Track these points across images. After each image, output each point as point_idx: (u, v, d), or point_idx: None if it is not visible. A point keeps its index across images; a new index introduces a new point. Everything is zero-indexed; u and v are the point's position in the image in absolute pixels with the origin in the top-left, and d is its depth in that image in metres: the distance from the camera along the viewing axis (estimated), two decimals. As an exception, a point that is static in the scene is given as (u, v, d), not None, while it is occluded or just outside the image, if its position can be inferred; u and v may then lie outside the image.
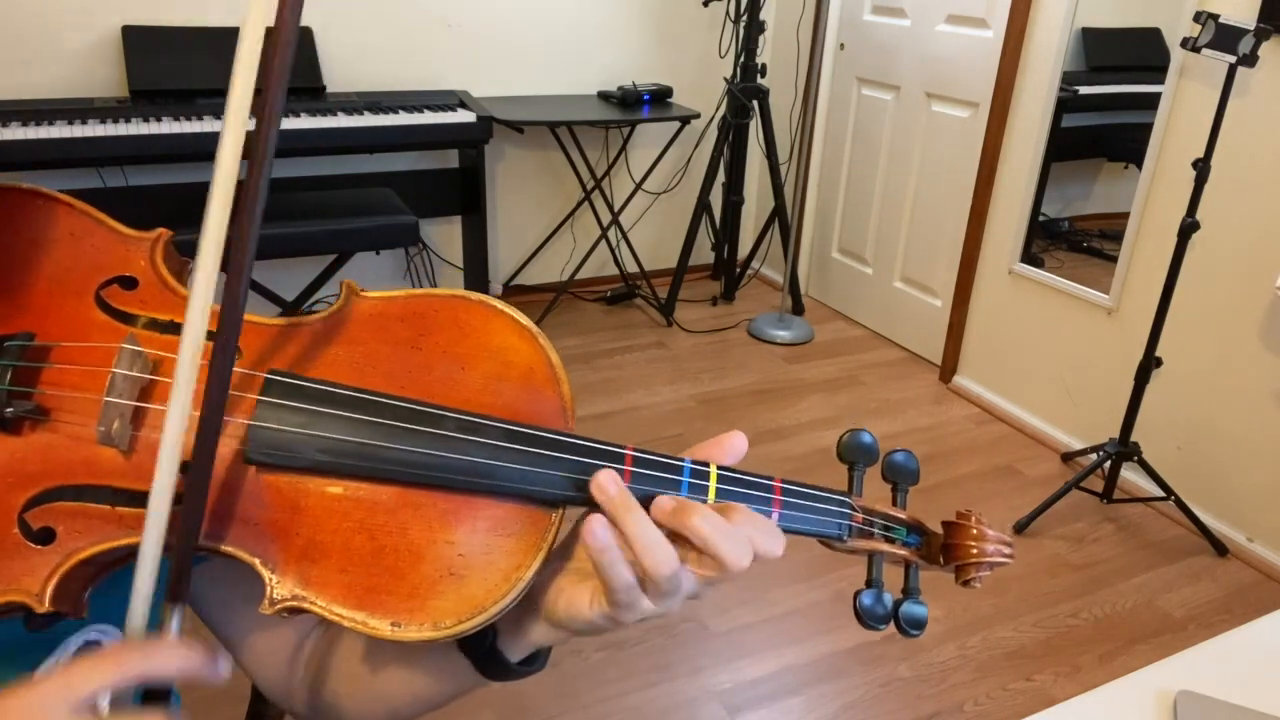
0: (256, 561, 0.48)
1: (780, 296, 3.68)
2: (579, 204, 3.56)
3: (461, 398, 0.52)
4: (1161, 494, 2.39)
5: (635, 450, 0.50)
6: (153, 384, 0.50)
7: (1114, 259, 2.60)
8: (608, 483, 0.48)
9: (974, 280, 3.07)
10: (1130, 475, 2.56)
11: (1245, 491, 2.35)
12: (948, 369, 3.21)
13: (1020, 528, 2.41)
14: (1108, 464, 2.48)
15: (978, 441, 2.87)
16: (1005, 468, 2.73)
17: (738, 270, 3.85)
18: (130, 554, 0.48)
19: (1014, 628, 2.08)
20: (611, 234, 3.63)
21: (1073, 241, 2.90)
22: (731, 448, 0.53)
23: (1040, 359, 2.88)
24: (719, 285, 3.92)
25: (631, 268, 3.71)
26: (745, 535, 0.47)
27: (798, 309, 3.71)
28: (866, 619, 0.53)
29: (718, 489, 0.51)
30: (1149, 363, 2.32)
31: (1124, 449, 2.41)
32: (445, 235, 3.53)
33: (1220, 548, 2.35)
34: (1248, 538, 2.35)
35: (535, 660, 0.57)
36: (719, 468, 0.51)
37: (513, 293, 3.68)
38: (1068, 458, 2.75)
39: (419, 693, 0.60)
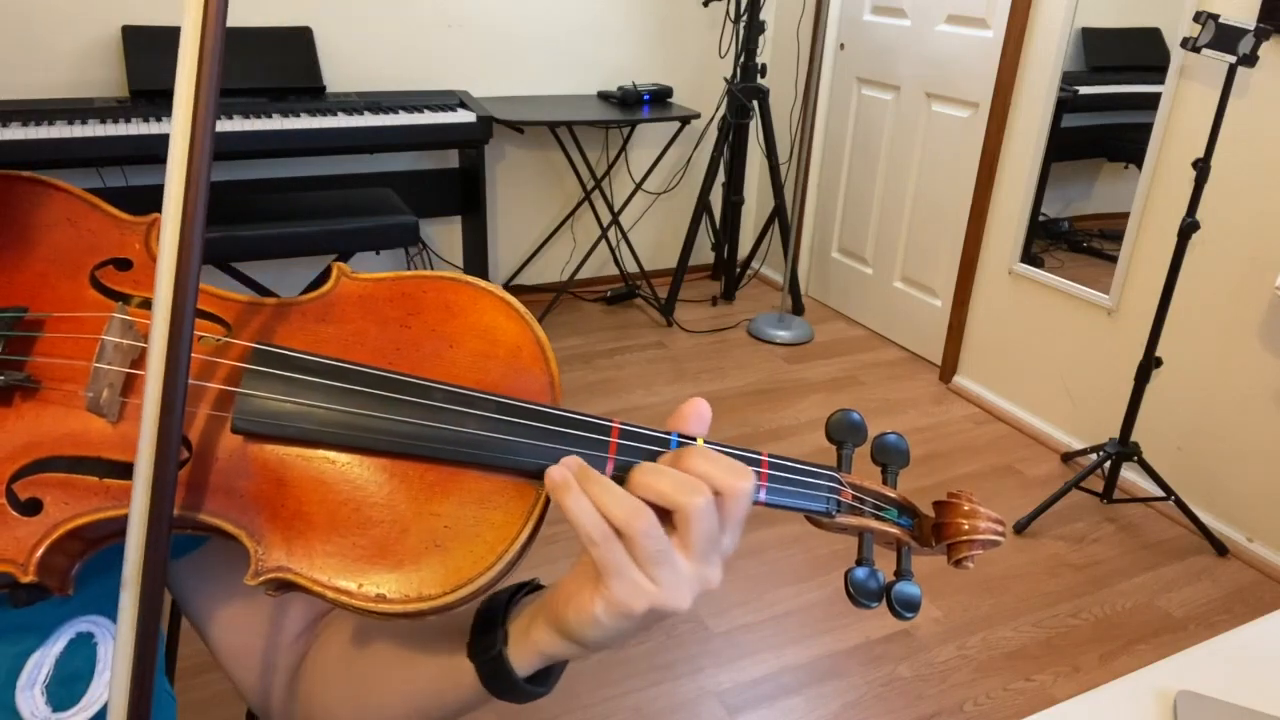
0: (242, 533, 0.47)
1: (780, 296, 3.68)
2: (579, 204, 3.56)
3: (449, 374, 0.52)
4: (1161, 494, 2.39)
5: (622, 424, 0.50)
6: (143, 354, 0.50)
7: (1114, 259, 2.60)
8: (555, 471, 0.47)
9: (974, 280, 3.07)
10: (1130, 475, 2.56)
11: (1245, 491, 2.35)
12: (948, 369, 3.21)
13: (1020, 528, 2.41)
14: (1108, 464, 2.48)
15: (978, 441, 2.87)
16: (1005, 468, 2.73)
17: (738, 270, 3.85)
18: (117, 530, 0.47)
19: (1014, 628, 2.08)
20: (611, 234, 3.63)
21: (1073, 241, 2.89)
22: (696, 414, 0.52)
23: (1040, 359, 2.88)
24: (719, 285, 3.92)
25: (631, 268, 3.71)
26: (689, 478, 0.46)
27: (798, 309, 3.71)
28: (858, 594, 0.51)
29: None
30: (1149, 363, 2.32)
31: (1124, 449, 2.41)
32: (445, 235, 3.53)
33: (1220, 548, 2.35)
34: (1248, 538, 2.35)
35: (546, 681, 0.54)
36: (706, 441, 0.51)
37: (513, 293, 3.62)
38: (1068, 458, 2.75)
39: (419, 703, 0.58)
